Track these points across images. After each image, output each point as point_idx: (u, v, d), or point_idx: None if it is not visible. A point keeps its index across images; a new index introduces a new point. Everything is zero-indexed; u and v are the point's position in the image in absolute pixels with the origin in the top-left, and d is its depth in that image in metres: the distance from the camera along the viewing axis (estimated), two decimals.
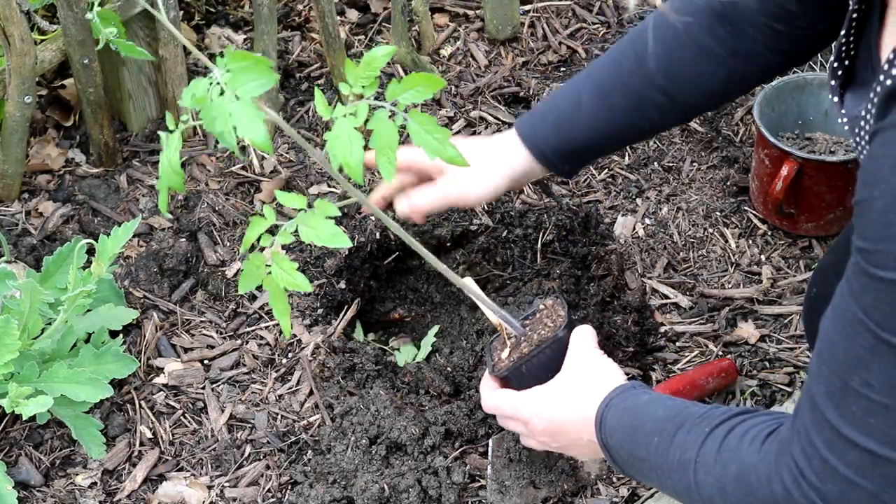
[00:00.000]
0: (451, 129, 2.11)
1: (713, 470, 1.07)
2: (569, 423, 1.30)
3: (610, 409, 1.24)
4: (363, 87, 1.05)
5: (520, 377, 1.39)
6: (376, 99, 1.05)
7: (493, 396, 1.40)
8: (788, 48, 1.36)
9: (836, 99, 1.15)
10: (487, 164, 1.47)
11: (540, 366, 1.38)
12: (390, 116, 1.05)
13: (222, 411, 1.69)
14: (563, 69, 2.21)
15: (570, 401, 1.30)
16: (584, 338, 1.37)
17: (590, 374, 1.32)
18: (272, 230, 1.13)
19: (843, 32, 1.11)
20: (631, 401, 1.23)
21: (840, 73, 1.14)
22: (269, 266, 1.15)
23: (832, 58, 1.14)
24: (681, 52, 1.38)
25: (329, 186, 1.98)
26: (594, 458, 1.36)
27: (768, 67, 1.41)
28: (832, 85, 1.15)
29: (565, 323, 1.40)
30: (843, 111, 1.14)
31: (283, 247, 1.92)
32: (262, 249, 1.11)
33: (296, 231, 1.12)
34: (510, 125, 2.10)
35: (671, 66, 1.38)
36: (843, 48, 1.12)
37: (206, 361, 1.76)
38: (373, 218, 1.93)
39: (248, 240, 1.13)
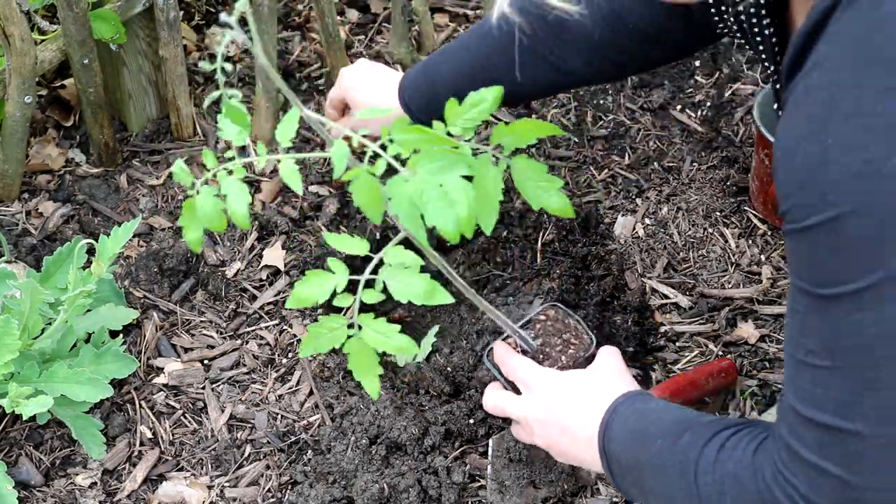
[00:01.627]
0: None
1: (713, 469, 1.05)
2: (571, 419, 1.28)
3: (617, 414, 1.22)
4: (462, 129, 0.94)
5: None
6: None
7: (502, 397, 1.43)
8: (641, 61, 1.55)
9: (775, 106, 1.14)
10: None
11: None
12: (495, 162, 0.96)
13: (222, 411, 1.69)
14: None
15: (580, 398, 1.29)
16: (612, 354, 1.38)
17: (607, 378, 1.31)
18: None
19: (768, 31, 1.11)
20: (639, 405, 1.21)
21: (775, 73, 1.14)
22: (351, 329, 0.99)
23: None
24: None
25: (329, 187, 1.98)
26: (585, 465, 1.33)
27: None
28: (775, 89, 1.14)
29: (595, 343, 1.46)
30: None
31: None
32: (340, 310, 0.99)
33: (380, 286, 0.98)
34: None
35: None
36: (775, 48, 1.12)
37: (206, 361, 1.76)
38: None
39: (303, 298, 0.97)
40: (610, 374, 1.33)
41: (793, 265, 0.92)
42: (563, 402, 1.30)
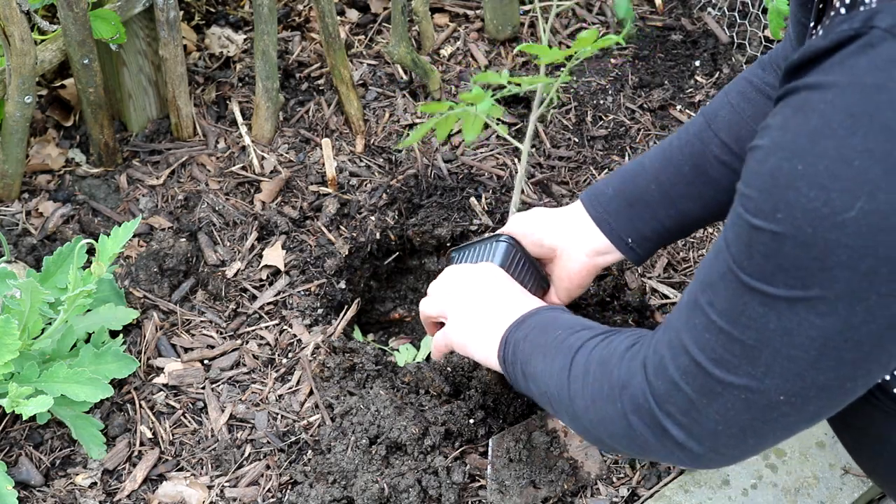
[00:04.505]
0: (451, 129, 2.11)
1: (589, 354, 1.19)
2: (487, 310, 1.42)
3: (536, 314, 1.35)
4: None
5: None
6: None
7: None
8: None
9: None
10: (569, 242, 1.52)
11: None
12: None
13: (222, 411, 1.69)
14: (562, 69, 2.21)
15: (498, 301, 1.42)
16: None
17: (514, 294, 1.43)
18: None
19: None
20: (559, 314, 1.34)
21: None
22: None
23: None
24: (745, 106, 1.43)
25: (328, 187, 1.98)
26: (476, 351, 1.43)
27: None
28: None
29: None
30: None
31: (284, 245, 1.92)
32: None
33: None
34: (509, 125, 2.11)
35: (735, 121, 1.43)
36: (819, 5, 1.13)
37: (206, 361, 1.76)
38: (373, 218, 1.93)
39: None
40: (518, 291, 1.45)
41: (729, 236, 0.98)
42: (480, 298, 1.44)
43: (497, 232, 1.57)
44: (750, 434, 1.04)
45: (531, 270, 1.55)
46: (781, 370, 0.97)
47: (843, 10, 0.96)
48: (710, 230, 1.93)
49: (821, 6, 1.11)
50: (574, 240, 1.50)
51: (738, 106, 1.43)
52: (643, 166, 1.48)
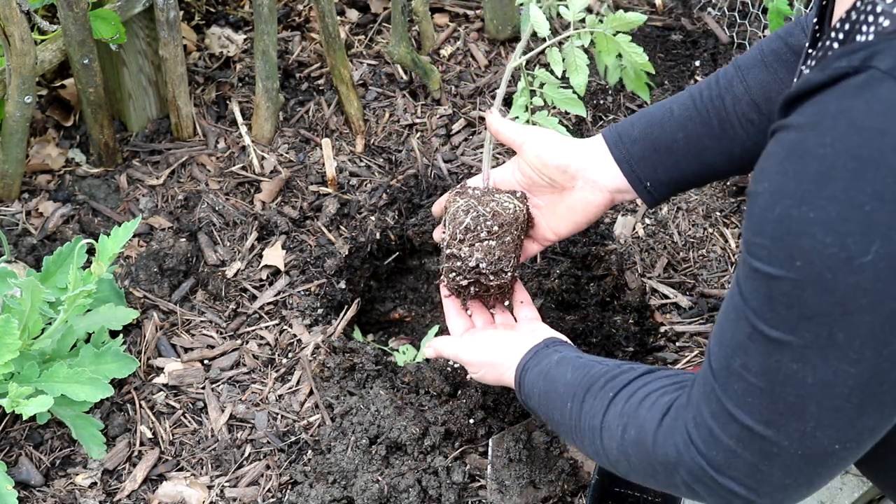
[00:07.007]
0: (451, 129, 2.11)
1: (616, 435, 1.17)
2: (494, 376, 1.44)
3: (526, 373, 1.36)
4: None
5: None
6: None
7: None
8: None
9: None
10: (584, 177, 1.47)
11: None
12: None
13: (222, 411, 1.69)
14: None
15: (494, 357, 1.44)
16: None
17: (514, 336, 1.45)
18: None
19: (815, 18, 1.12)
20: (545, 363, 1.34)
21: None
22: None
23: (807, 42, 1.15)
24: (778, 67, 1.41)
25: (328, 187, 1.98)
26: None
27: None
28: (801, 70, 1.15)
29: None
30: None
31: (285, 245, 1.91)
32: None
33: None
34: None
35: (767, 81, 1.40)
36: (815, 31, 1.12)
37: (206, 361, 1.76)
38: (373, 218, 1.93)
39: None
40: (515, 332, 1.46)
41: (746, 290, 0.96)
42: (485, 368, 1.46)
43: (515, 139, 1.50)
44: (816, 479, 1.04)
45: None
46: (830, 422, 0.96)
47: (841, 36, 0.96)
48: (711, 230, 1.93)
49: (823, 3, 1.11)
50: (596, 173, 1.45)
51: (771, 66, 1.41)
52: (671, 112, 1.45)
